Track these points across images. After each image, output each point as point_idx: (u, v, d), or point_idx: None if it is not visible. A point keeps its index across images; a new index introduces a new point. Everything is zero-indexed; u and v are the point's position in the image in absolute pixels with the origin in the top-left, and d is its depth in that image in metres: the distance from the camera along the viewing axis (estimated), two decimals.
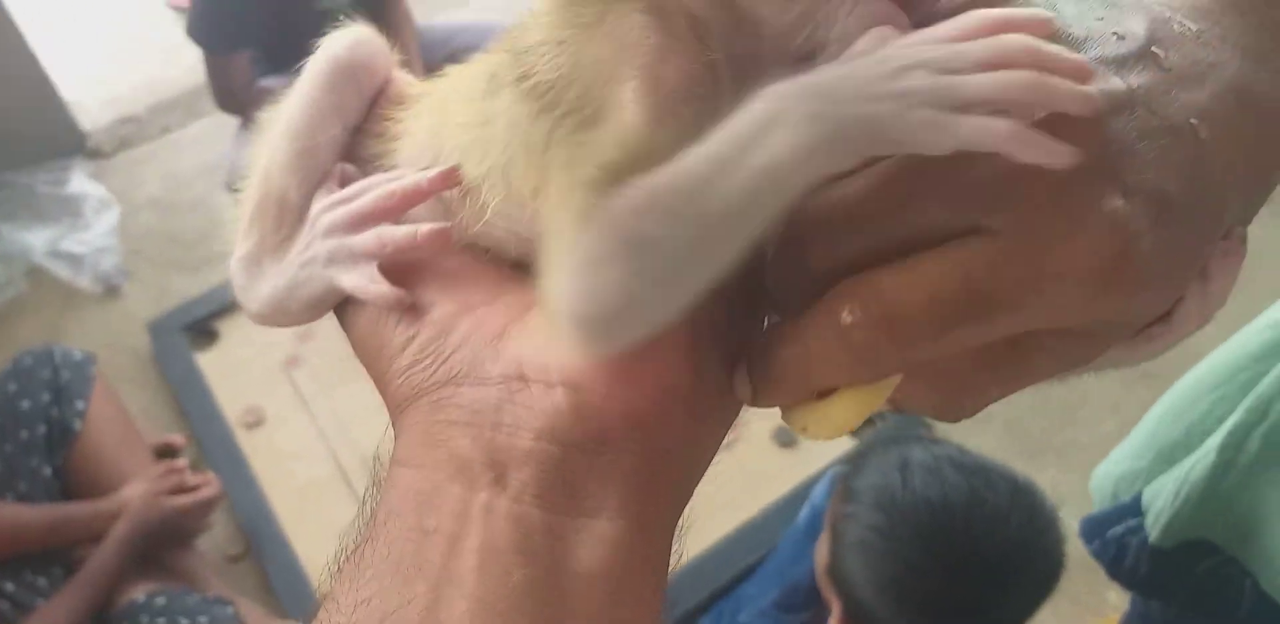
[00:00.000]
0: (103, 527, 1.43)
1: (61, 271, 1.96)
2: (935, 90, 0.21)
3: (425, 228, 0.29)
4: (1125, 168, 0.22)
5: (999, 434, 1.56)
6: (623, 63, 0.25)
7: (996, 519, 0.99)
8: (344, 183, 0.32)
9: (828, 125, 0.21)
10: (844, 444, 1.44)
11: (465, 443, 0.26)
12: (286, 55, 1.86)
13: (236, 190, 0.34)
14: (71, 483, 1.51)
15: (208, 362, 1.84)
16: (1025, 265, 0.22)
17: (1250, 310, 0.82)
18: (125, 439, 1.59)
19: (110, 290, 1.96)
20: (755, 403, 0.26)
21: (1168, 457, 1.00)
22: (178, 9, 2.62)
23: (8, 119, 2.06)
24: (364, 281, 0.29)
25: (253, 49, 1.89)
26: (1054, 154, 0.21)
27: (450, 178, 0.30)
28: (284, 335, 1.87)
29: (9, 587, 1.37)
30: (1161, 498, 0.98)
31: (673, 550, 0.27)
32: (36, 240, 1.97)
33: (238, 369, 1.83)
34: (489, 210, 0.29)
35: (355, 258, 0.30)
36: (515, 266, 0.30)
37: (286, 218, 0.32)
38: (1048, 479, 1.54)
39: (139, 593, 1.37)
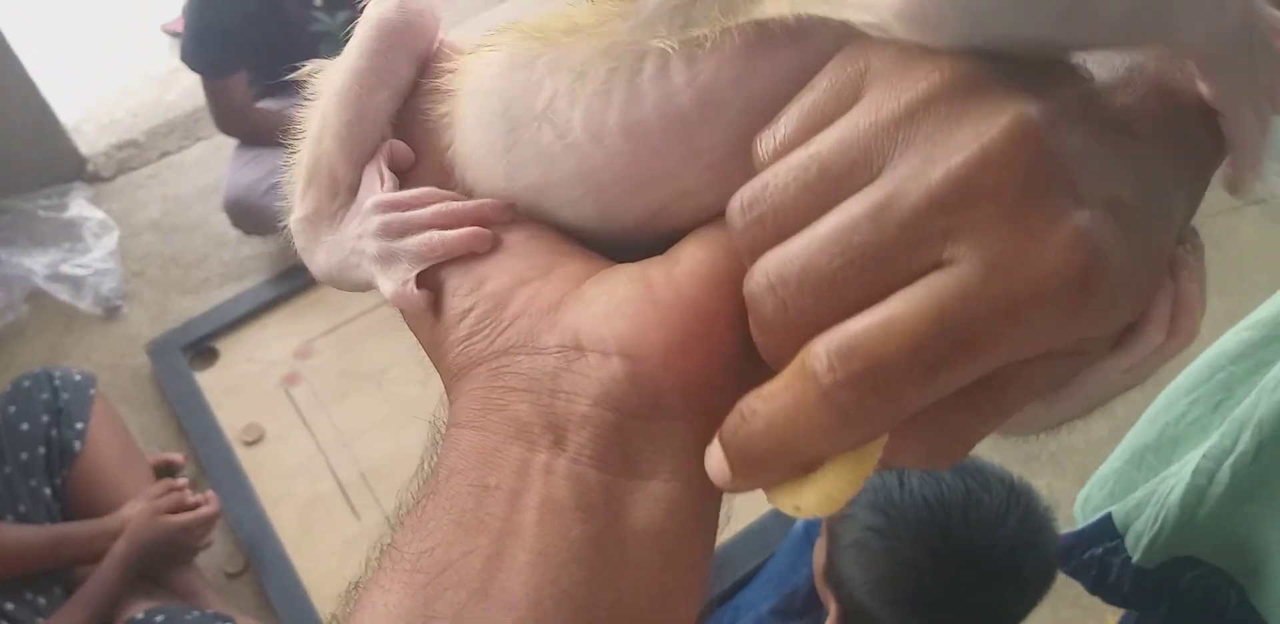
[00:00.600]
0: (103, 546, 1.44)
1: (62, 295, 1.97)
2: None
3: (480, 232, 0.30)
4: (1075, 179, 0.22)
5: (994, 439, 1.56)
6: None
7: (993, 519, 0.99)
8: (393, 163, 0.32)
9: None
10: None
11: (524, 407, 0.26)
12: (281, 78, 1.90)
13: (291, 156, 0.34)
14: (72, 503, 1.52)
15: (208, 380, 1.85)
16: (998, 294, 0.21)
17: (1243, 311, 0.82)
18: (125, 458, 1.60)
19: (110, 312, 1.97)
20: (734, 486, 0.24)
21: (1138, 460, 1.00)
22: (173, 34, 2.65)
23: (7, 144, 2.09)
24: (399, 288, 0.30)
25: (248, 71, 1.91)
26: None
27: (505, 211, 0.30)
28: (283, 354, 1.89)
29: (9, 606, 1.38)
30: (1141, 519, 0.97)
31: (721, 513, 0.28)
32: (36, 264, 1.99)
33: (237, 387, 1.84)
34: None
35: (398, 261, 0.30)
36: (564, 239, 0.30)
37: (339, 188, 0.32)
38: (1043, 484, 1.54)
39: (138, 611, 1.38)
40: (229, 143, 2.03)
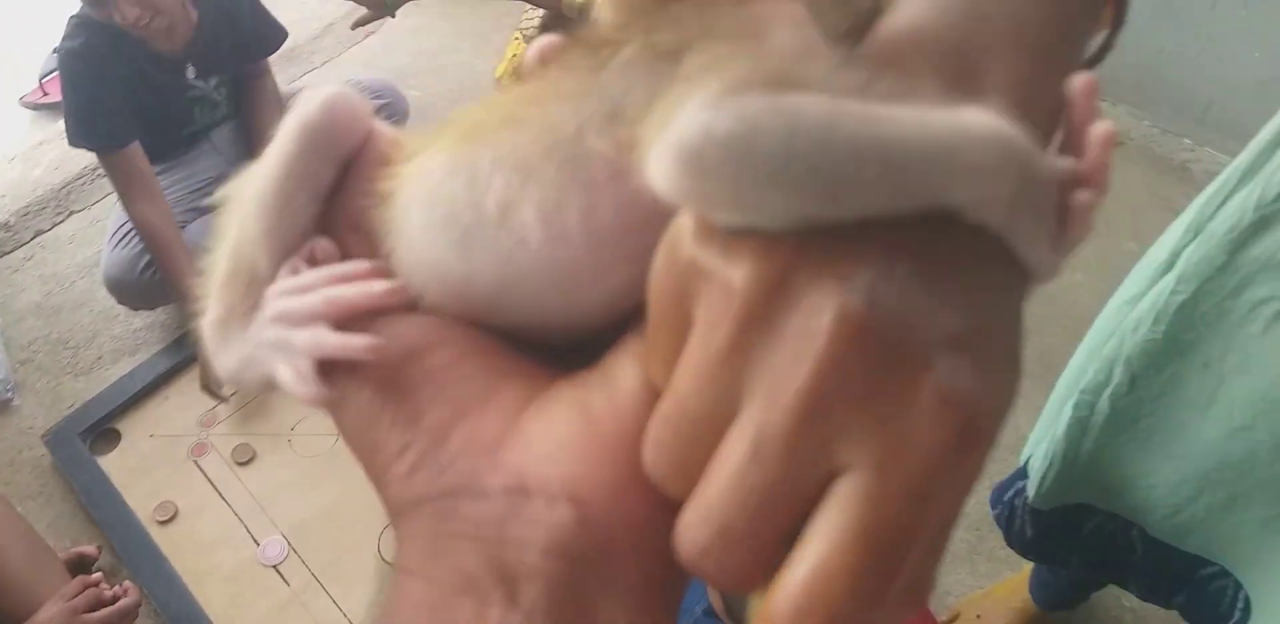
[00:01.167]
0: None
1: None
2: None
3: (357, 340, 0.28)
4: (914, 340, 0.22)
5: None
6: (772, 18, 0.26)
7: None
8: (312, 260, 0.31)
9: None
10: None
11: (471, 558, 0.25)
12: (164, 145, 1.85)
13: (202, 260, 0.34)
14: None
15: (112, 464, 1.80)
16: (901, 486, 0.21)
17: (1111, 255, 0.83)
18: (35, 561, 1.55)
19: (1, 405, 1.91)
20: None
21: (1047, 412, 1.02)
22: (32, 106, 2.58)
23: None
24: (295, 377, 0.29)
25: (138, 139, 1.87)
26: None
27: (398, 295, 0.29)
28: (187, 425, 1.85)
29: None
30: (1037, 458, 0.99)
31: None
32: None
33: (144, 467, 1.80)
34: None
35: (293, 352, 0.29)
36: (498, 351, 0.30)
37: (254, 288, 0.31)
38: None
39: None
40: (105, 214, 1.98)
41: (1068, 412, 0.90)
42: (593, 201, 0.27)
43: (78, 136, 1.83)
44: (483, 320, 0.29)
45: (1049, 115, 0.26)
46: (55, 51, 1.88)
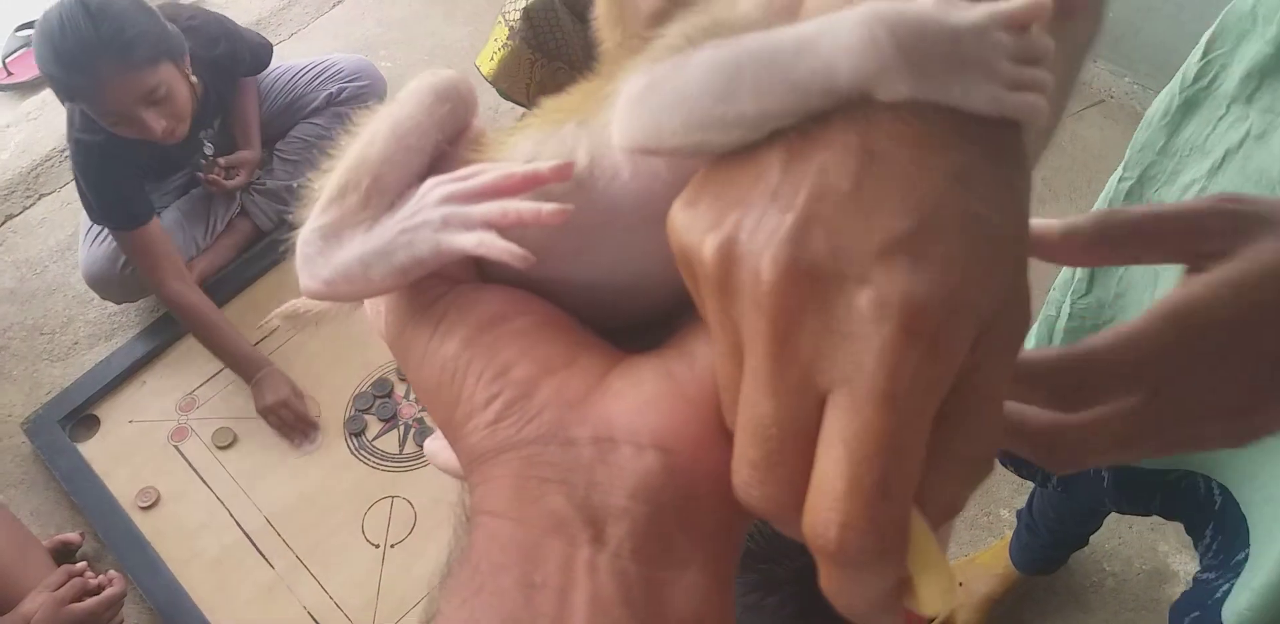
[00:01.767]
0: None
1: None
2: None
3: (550, 206, 0.30)
4: (841, 261, 0.24)
5: None
6: None
7: None
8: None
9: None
10: None
11: (560, 500, 0.27)
12: (165, 170, 1.80)
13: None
14: None
15: (92, 450, 1.80)
16: (865, 386, 0.23)
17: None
18: (19, 550, 1.56)
19: None
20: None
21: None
22: None
23: None
24: (487, 239, 0.30)
25: (157, 208, 1.87)
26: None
27: (566, 170, 0.30)
28: (166, 410, 1.84)
29: None
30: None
31: None
32: None
33: (124, 453, 1.80)
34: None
35: (472, 224, 0.30)
36: (576, 326, 0.32)
37: (374, 200, 0.32)
38: None
39: None
40: (75, 196, 1.95)
41: (1039, 311, 0.91)
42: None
43: (101, 217, 1.82)
44: (573, 278, 0.32)
45: None
46: (68, 139, 1.80)
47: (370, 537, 1.67)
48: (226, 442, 1.79)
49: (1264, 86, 0.69)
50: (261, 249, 2.01)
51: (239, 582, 1.65)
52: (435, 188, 0.31)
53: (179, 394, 1.85)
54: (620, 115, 0.27)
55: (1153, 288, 0.80)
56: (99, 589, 1.51)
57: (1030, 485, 1.36)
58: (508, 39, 1.65)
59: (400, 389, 1.81)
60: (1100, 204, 0.84)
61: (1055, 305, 0.91)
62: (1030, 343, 0.94)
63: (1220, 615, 0.80)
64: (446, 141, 0.33)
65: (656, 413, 0.28)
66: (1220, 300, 0.34)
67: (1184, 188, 0.76)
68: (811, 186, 0.24)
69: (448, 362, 0.30)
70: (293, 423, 1.77)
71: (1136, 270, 0.82)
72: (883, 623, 0.26)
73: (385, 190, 0.32)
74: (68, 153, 2.07)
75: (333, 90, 2.07)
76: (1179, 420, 0.35)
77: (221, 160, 1.96)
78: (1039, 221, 0.36)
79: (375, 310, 0.34)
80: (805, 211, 0.24)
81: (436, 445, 0.37)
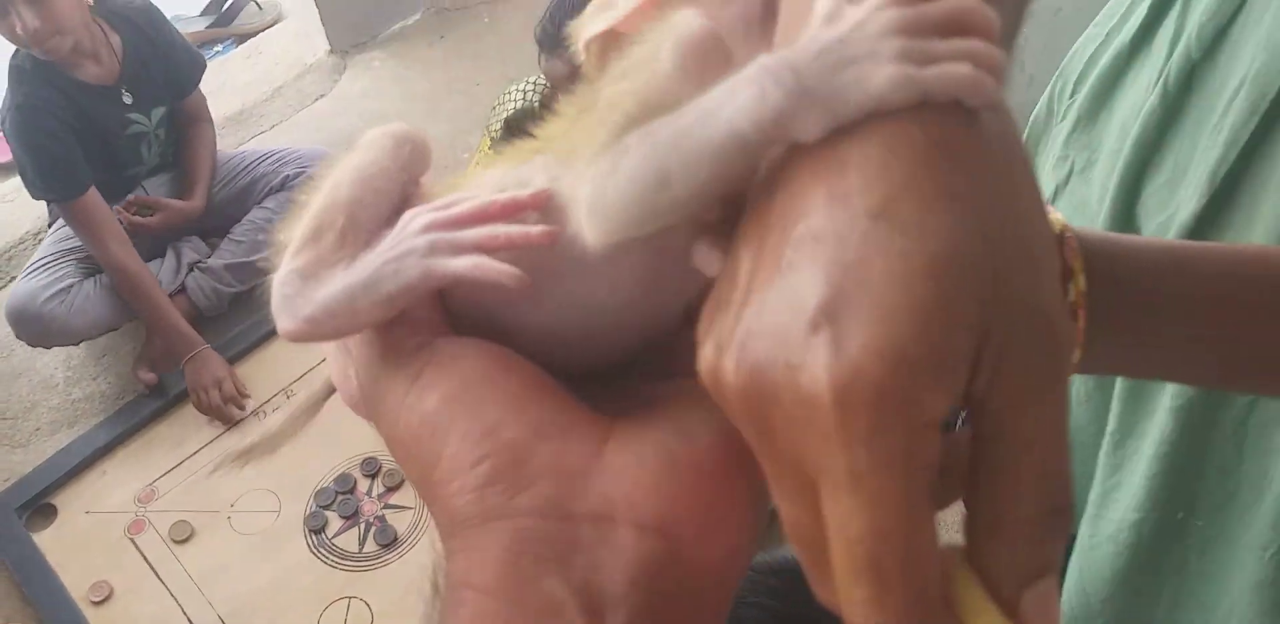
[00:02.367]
0: None
1: None
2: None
3: (537, 227, 0.29)
4: (768, 362, 0.23)
5: None
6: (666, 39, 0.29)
7: None
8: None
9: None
10: None
11: (556, 583, 0.25)
12: (106, 189, 1.88)
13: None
14: None
15: (47, 540, 1.78)
16: (830, 481, 0.22)
17: None
18: None
19: None
20: None
21: None
22: None
23: None
24: (481, 262, 0.29)
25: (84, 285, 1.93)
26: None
27: (543, 197, 0.30)
28: (124, 501, 1.83)
29: None
30: None
31: None
32: None
33: (80, 544, 1.78)
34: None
35: (462, 249, 0.30)
36: (564, 389, 0.31)
37: (350, 238, 0.32)
38: None
39: None
40: (38, 282, 1.97)
41: None
42: None
43: (41, 190, 1.89)
44: (541, 321, 0.31)
45: None
46: (5, 111, 1.90)
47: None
48: (184, 536, 1.78)
49: (1082, 126, 0.71)
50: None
51: None
52: (416, 217, 0.31)
53: (139, 485, 1.85)
54: (584, 222, 0.28)
55: None
56: None
57: None
58: (489, 149, 1.72)
59: (363, 485, 1.82)
60: None
61: None
62: None
63: None
64: (412, 183, 0.34)
65: (659, 495, 0.26)
66: None
67: None
68: (756, 277, 0.24)
69: (429, 416, 0.29)
70: (220, 403, 1.86)
71: None
72: None
73: (359, 229, 0.32)
74: (42, 236, 2.12)
75: (289, 173, 2.12)
76: None
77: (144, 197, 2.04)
78: None
79: (343, 368, 0.33)
80: (752, 307, 0.23)
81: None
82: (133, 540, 1.78)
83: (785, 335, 0.22)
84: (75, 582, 1.73)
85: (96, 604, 1.71)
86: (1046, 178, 0.74)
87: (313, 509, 1.79)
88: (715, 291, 0.26)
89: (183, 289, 2.05)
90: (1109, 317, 0.37)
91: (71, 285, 1.94)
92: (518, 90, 1.88)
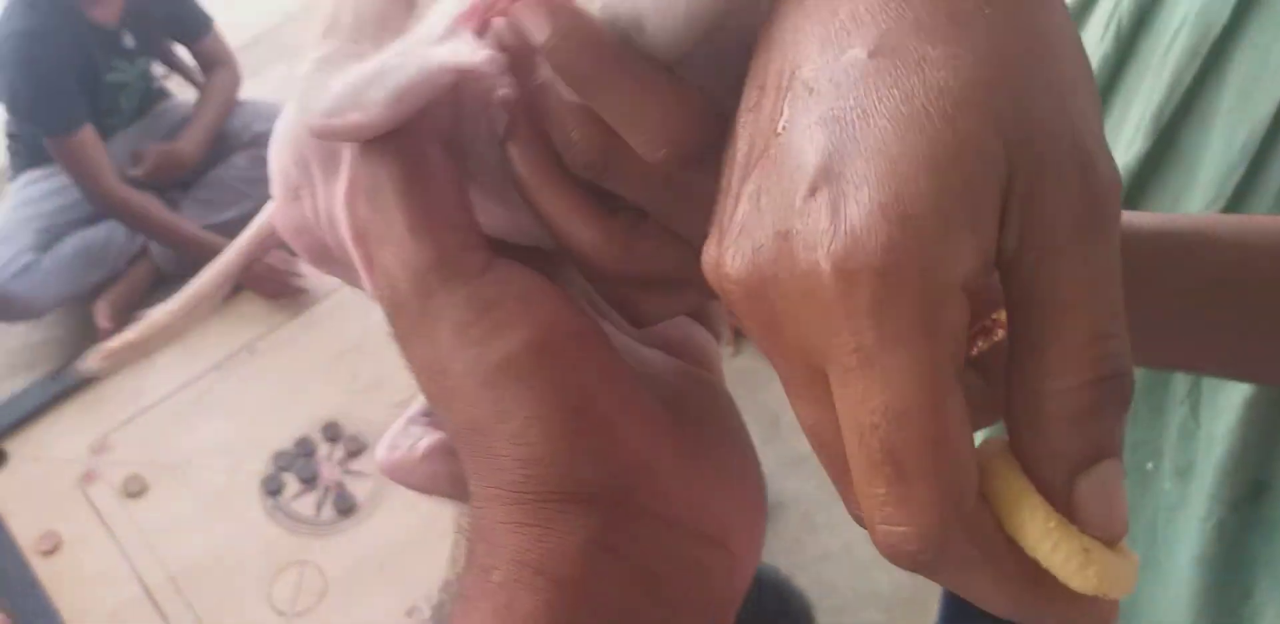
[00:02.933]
0: None
1: None
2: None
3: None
4: (792, 243, 0.20)
5: None
6: None
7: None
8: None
9: None
10: None
11: (638, 592, 0.25)
12: (84, 70, 1.85)
13: None
14: None
15: None
16: (834, 353, 0.20)
17: None
18: None
19: None
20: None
21: None
22: None
23: None
24: (460, 47, 0.27)
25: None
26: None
27: None
28: (78, 450, 1.80)
29: None
30: None
31: None
32: None
33: (30, 492, 1.76)
34: None
35: (452, 32, 0.27)
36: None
37: (366, 31, 0.30)
38: None
39: None
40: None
41: None
42: None
43: (37, 120, 1.85)
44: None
45: None
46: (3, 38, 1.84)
47: (277, 603, 1.65)
48: (137, 489, 1.76)
49: None
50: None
51: None
52: (439, 3, 0.29)
53: (94, 435, 1.82)
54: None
55: None
56: None
57: None
58: None
59: (323, 450, 1.80)
60: None
61: None
62: None
63: None
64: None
65: (723, 506, 0.25)
66: None
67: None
68: (754, 148, 0.22)
69: (506, 361, 0.24)
70: (282, 268, 1.86)
71: None
72: (1046, 618, 0.20)
73: (368, 22, 0.31)
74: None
75: (260, 129, 2.06)
76: None
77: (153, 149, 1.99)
78: None
79: (384, 268, 0.27)
80: (750, 183, 0.21)
81: (397, 457, 0.31)
82: (84, 492, 1.76)
83: (782, 205, 0.20)
84: (23, 531, 1.70)
85: (45, 554, 1.69)
86: None
87: (271, 471, 1.78)
88: (719, 178, 0.23)
89: (144, 251, 2.01)
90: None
91: (29, 264, 1.90)
92: None
